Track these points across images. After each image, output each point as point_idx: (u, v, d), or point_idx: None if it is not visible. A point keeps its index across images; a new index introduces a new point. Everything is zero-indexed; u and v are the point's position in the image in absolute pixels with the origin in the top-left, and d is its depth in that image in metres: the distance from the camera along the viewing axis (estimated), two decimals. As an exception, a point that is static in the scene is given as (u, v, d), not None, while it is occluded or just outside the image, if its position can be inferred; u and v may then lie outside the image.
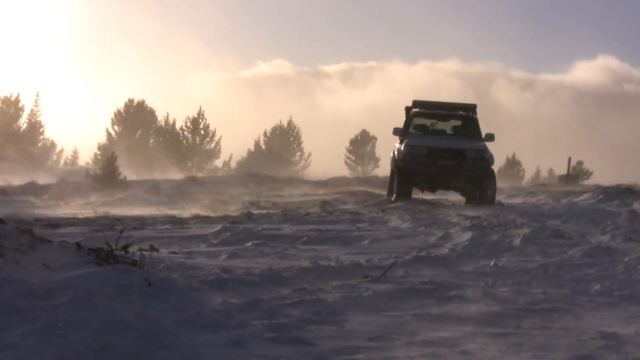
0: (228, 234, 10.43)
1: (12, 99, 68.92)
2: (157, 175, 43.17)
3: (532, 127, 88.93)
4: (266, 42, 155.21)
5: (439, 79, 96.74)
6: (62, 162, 70.33)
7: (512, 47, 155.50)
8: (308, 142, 74.58)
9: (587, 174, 58.50)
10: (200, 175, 40.38)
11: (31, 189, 25.87)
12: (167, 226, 12.14)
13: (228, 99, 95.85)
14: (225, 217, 14.02)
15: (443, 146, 18.06)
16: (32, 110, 69.13)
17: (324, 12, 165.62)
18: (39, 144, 68.84)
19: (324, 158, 74.79)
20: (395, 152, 18.89)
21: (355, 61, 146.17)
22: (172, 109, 75.06)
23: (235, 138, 74.13)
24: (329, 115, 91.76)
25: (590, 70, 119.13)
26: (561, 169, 40.45)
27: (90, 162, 64.86)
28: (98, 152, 67.20)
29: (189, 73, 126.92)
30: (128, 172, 34.85)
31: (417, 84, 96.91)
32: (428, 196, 19.61)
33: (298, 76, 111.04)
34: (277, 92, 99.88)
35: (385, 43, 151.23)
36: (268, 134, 74.05)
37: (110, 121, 72.01)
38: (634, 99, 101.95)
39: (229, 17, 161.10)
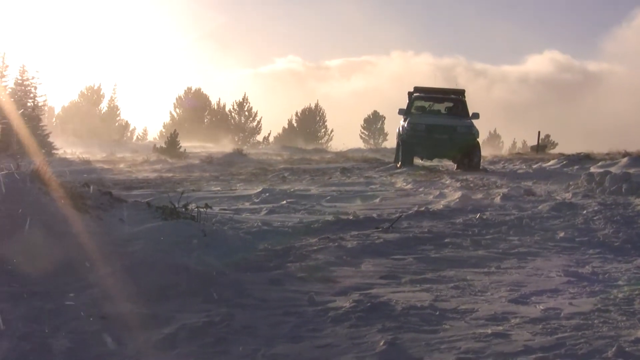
0: (267, 194, 10.43)
1: (95, 87, 69.46)
2: (210, 148, 43.19)
3: (507, 108, 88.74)
4: (280, 41, 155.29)
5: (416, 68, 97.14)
6: (134, 138, 70.52)
7: (476, 43, 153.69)
8: (330, 120, 74.50)
9: (553, 145, 57.77)
10: (245, 147, 40.28)
11: (110, 159, 26.00)
12: (219, 188, 12.15)
13: (257, 87, 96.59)
14: (264, 181, 14.02)
15: (438, 123, 18.05)
16: (110, 97, 69.56)
17: (323, 16, 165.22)
18: (116, 124, 69.06)
19: (343, 133, 74.81)
20: (400, 128, 18.98)
21: (352, 56, 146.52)
22: (214, 95, 75.31)
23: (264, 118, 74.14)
24: (336, 99, 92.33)
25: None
26: (532, 141, 40.04)
27: (157, 137, 65.02)
28: (163, 130, 67.40)
29: (221, 69, 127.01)
30: (187, 145, 34.80)
31: (395, 73, 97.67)
32: (426, 163, 19.59)
33: (307, 70, 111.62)
34: (291, 82, 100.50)
35: (373, 41, 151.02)
36: (299, 114, 73.90)
37: (172, 105, 72.65)
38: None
39: (241, 21, 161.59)
